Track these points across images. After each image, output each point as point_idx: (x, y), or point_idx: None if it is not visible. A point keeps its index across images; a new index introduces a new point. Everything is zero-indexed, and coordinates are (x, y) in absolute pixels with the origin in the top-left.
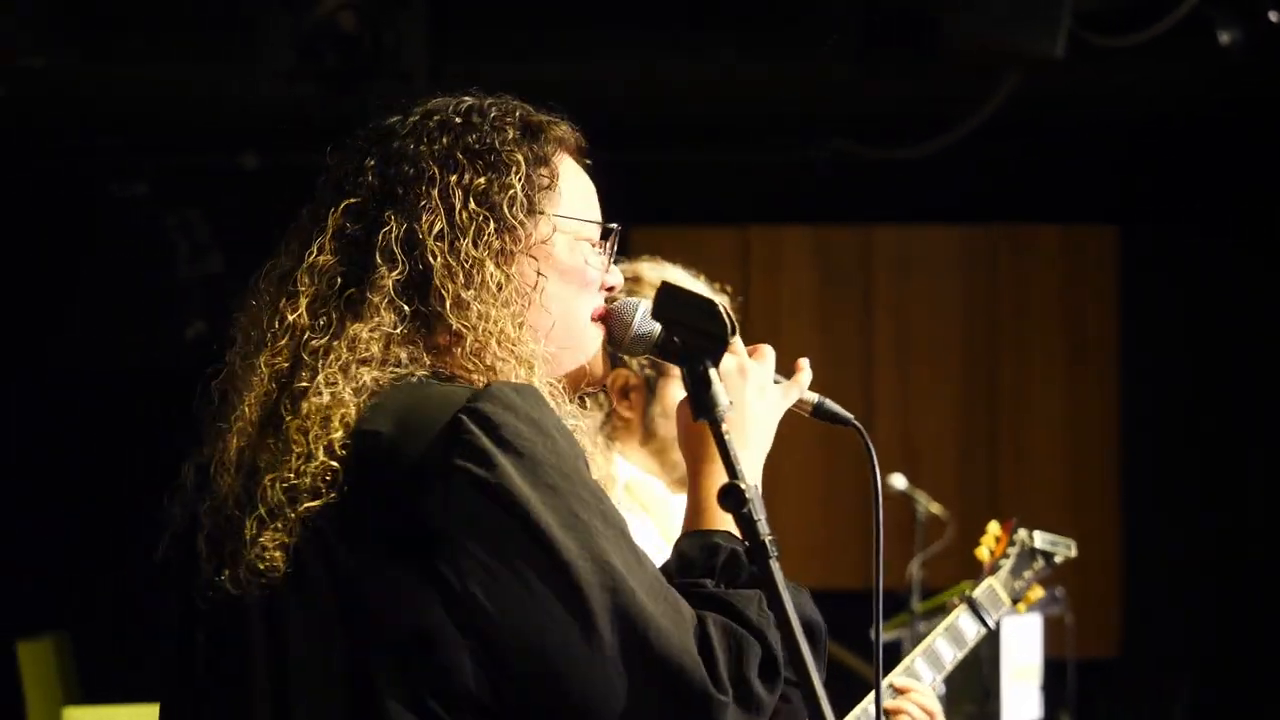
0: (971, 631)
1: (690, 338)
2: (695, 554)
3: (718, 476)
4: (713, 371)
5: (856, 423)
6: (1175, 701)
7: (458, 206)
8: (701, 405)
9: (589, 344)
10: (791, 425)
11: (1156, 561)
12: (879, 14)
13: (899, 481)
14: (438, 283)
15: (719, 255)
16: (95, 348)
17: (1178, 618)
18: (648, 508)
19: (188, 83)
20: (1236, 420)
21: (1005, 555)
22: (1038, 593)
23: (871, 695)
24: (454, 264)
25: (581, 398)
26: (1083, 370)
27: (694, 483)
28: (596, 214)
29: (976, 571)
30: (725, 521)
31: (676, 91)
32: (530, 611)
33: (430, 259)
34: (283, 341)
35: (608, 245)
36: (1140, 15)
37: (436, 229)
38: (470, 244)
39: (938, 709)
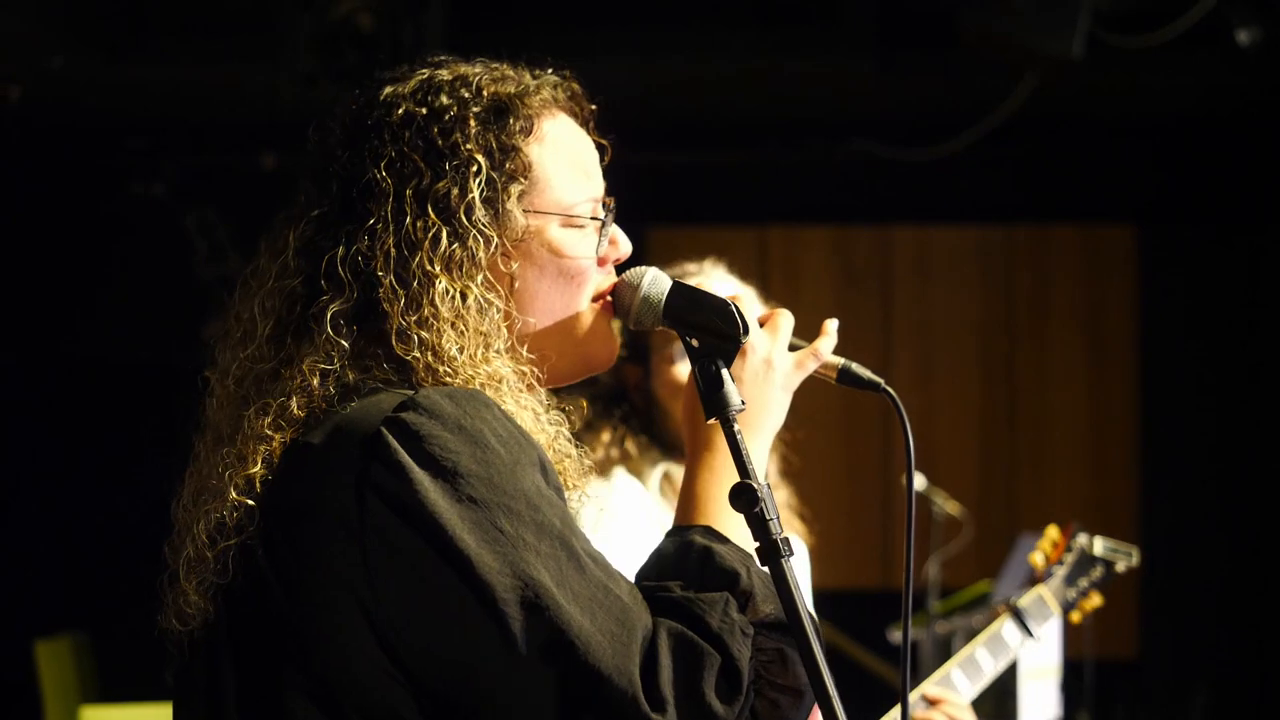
0: (1015, 641)
1: (702, 337)
2: (669, 552)
3: (718, 470)
4: (725, 372)
5: (887, 387)
6: (1193, 702)
7: (410, 220)
8: (713, 405)
9: (589, 332)
10: (811, 425)
11: (1175, 562)
12: (899, 15)
13: (917, 481)
14: (384, 308)
15: (738, 256)
16: (113, 346)
17: (1196, 619)
18: None
19: (207, 83)
20: (1257, 420)
21: (1059, 562)
22: (1096, 601)
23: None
24: (399, 288)
25: (607, 408)
26: (1101, 371)
27: (688, 474)
28: (588, 183)
29: (995, 571)
30: (714, 515)
31: (696, 91)
32: (448, 631)
33: (376, 280)
34: (239, 374)
35: (606, 216)
36: (1158, 16)
37: (384, 247)
38: (424, 259)
39: None
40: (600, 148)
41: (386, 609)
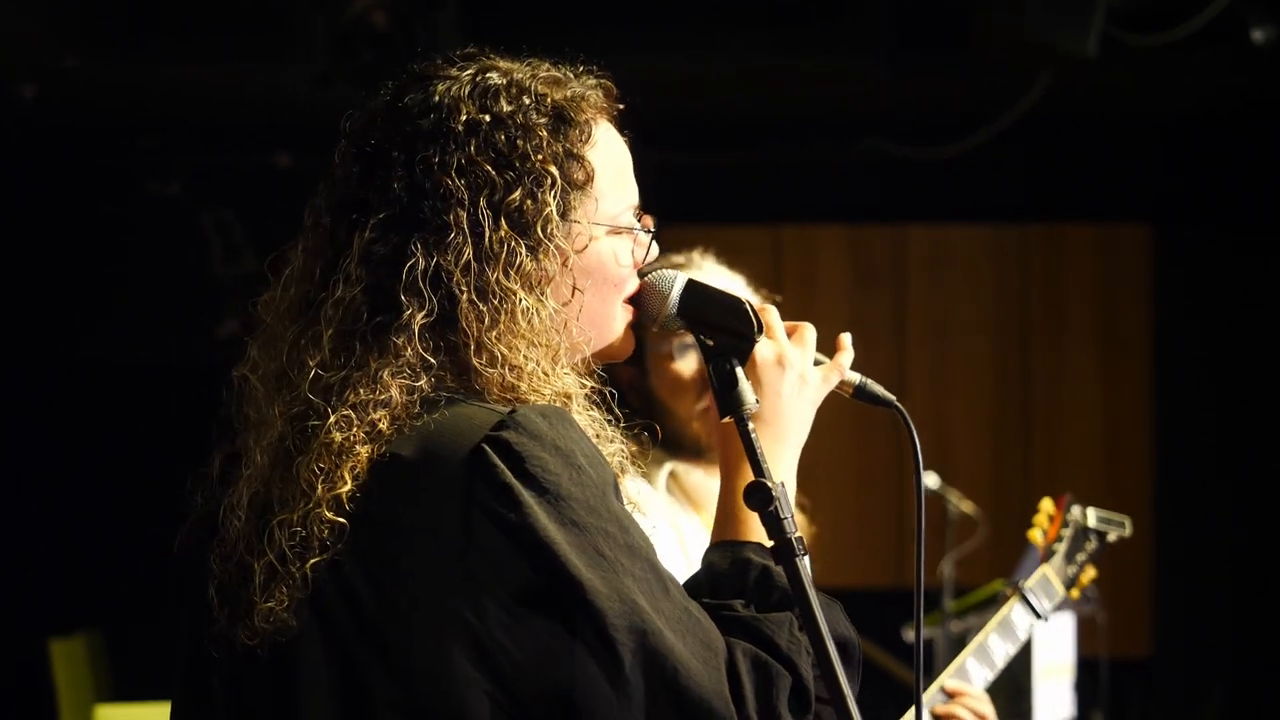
0: (1024, 624)
1: (716, 336)
2: (726, 569)
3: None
4: (739, 370)
5: (899, 405)
6: (1208, 701)
7: (487, 232)
8: (727, 404)
9: (619, 330)
10: (824, 424)
11: (1189, 561)
12: (912, 14)
13: (931, 480)
14: (463, 324)
15: (752, 254)
16: (129, 345)
17: (1210, 617)
18: (689, 495)
19: (222, 82)
20: (1270, 419)
21: (1059, 539)
22: (1090, 575)
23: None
24: (480, 304)
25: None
26: (1116, 369)
27: (726, 485)
28: (630, 191)
29: (1009, 570)
30: (758, 530)
31: (709, 90)
32: (556, 656)
33: (457, 294)
34: (300, 381)
35: (641, 224)
36: (1173, 14)
37: (463, 260)
38: (500, 274)
39: (990, 713)
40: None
41: (492, 631)
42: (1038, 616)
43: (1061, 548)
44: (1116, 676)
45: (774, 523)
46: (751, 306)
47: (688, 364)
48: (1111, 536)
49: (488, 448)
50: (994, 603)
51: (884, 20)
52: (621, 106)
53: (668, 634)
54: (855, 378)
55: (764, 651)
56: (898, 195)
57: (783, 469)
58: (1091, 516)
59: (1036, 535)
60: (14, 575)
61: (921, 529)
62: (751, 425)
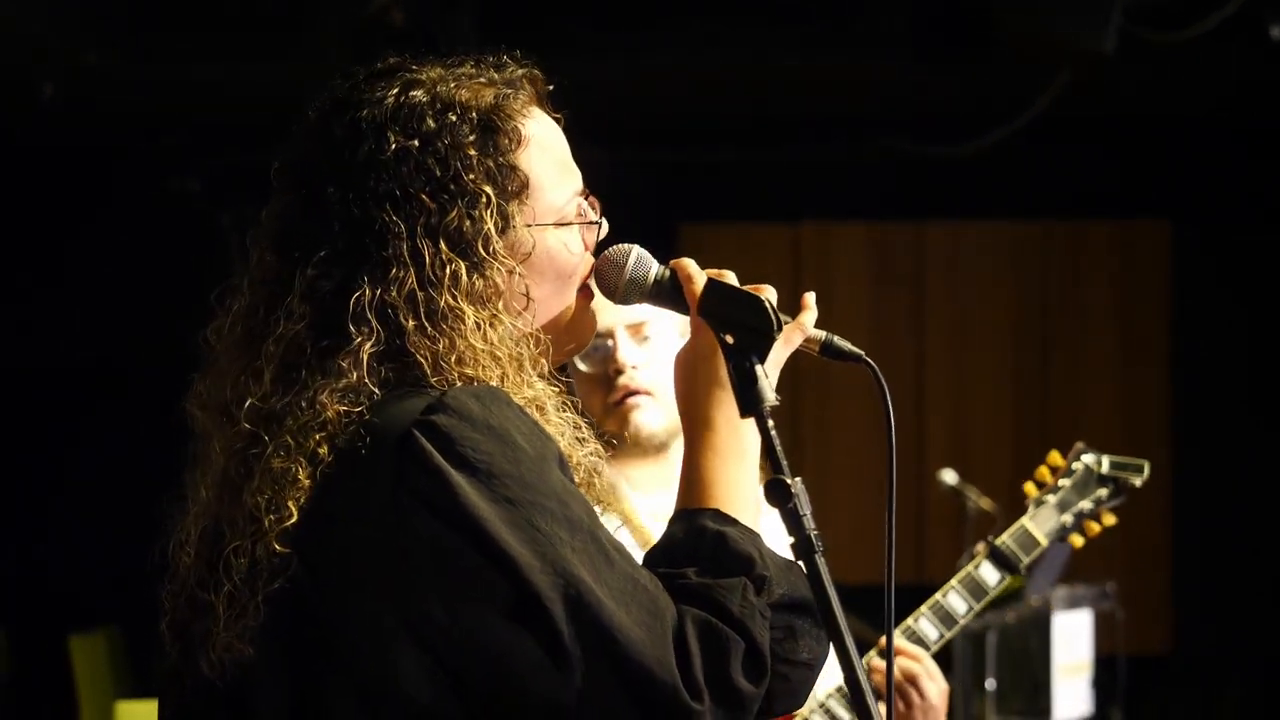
0: (993, 580)
1: (737, 334)
2: (681, 538)
3: (720, 449)
4: (759, 368)
5: (868, 359)
6: (1227, 698)
7: (428, 259)
8: (747, 401)
9: (574, 319)
10: (841, 421)
11: (1208, 557)
12: (932, 11)
13: (950, 477)
14: (415, 352)
15: (771, 252)
16: (147, 342)
17: (1229, 614)
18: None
19: (240, 80)
20: None
21: (1055, 489)
22: (1108, 520)
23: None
24: (430, 328)
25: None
26: (1135, 367)
27: (689, 456)
28: (571, 178)
29: (1029, 568)
30: (721, 496)
31: (728, 88)
32: (494, 632)
33: (404, 323)
34: (240, 414)
35: (584, 204)
36: (1191, 11)
37: (407, 289)
38: (448, 297)
39: (921, 672)
40: (556, 122)
41: (431, 612)
42: (1012, 570)
43: (1054, 498)
44: (1135, 673)
45: (794, 519)
46: (770, 303)
47: (591, 363)
48: (1136, 481)
49: (417, 431)
50: (1012, 600)
51: (904, 18)
52: (550, 86)
53: (608, 604)
54: (820, 335)
55: (715, 617)
56: (917, 193)
57: (749, 434)
58: (1105, 463)
59: (1031, 487)
60: (34, 572)
61: (892, 497)
62: (772, 423)
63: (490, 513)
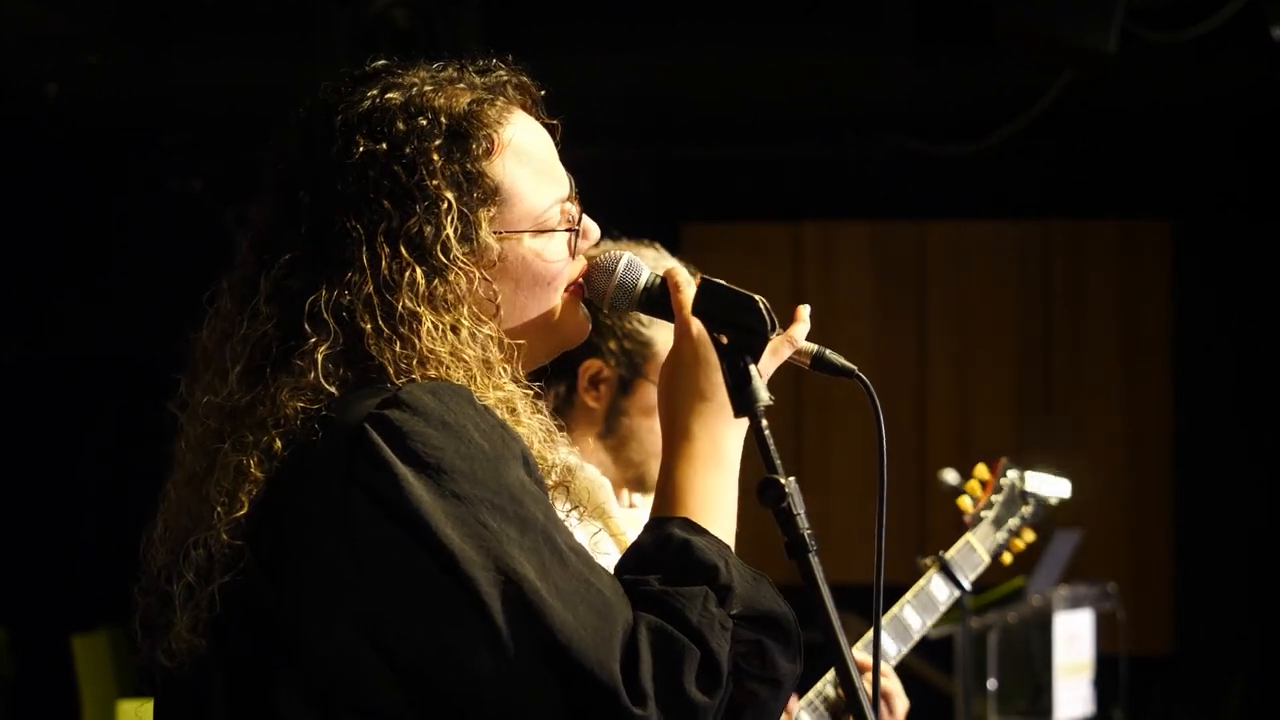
0: (944, 595)
1: (731, 333)
2: (648, 546)
3: (696, 460)
4: (753, 368)
5: (860, 374)
6: (1229, 697)
7: (385, 263)
8: (742, 402)
9: (560, 320)
10: (839, 422)
11: (1210, 557)
12: (935, 9)
13: (951, 477)
14: (374, 353)
15: (773, 251)
16: (150, 341)
17: (1231, 614)
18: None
19: (243, 80)
20: None
21: (989, 505)
22: (1029, 537)
23: (829, 675)
24: (389, 331)
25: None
26: (1137, 365)
27: (665, 465)
28: (554, 185)
29: (1029, 566)
30: (693, 506)
31: (730, 86)
32: (435, 627)
33: (362, 325)
34: (206, 413)
35: (569, 209)
36: (1193, 10)
37: (365, 293)
38: (406, 300)
39: (895, 689)
40: (550, 129)
41: (373, 604)
42: (959, 587)
43: (990, 514)
44: (1136, 673)
45: (787, 519)
46: (765, 303)
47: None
48: (1053, 500)
49: (369, 425)
50: (1013, 599)
51: (906, 17)
52: (541, 92)
53: (552, 603)
54: (811, 347)
55: (671, 625)
56: (920, 192)
57: (729, 445)
58: (1028, 480)
59: (965, 503)
60: (36, 570)
61: (883, 506)
62: (765, 423)
63: (435, 507)
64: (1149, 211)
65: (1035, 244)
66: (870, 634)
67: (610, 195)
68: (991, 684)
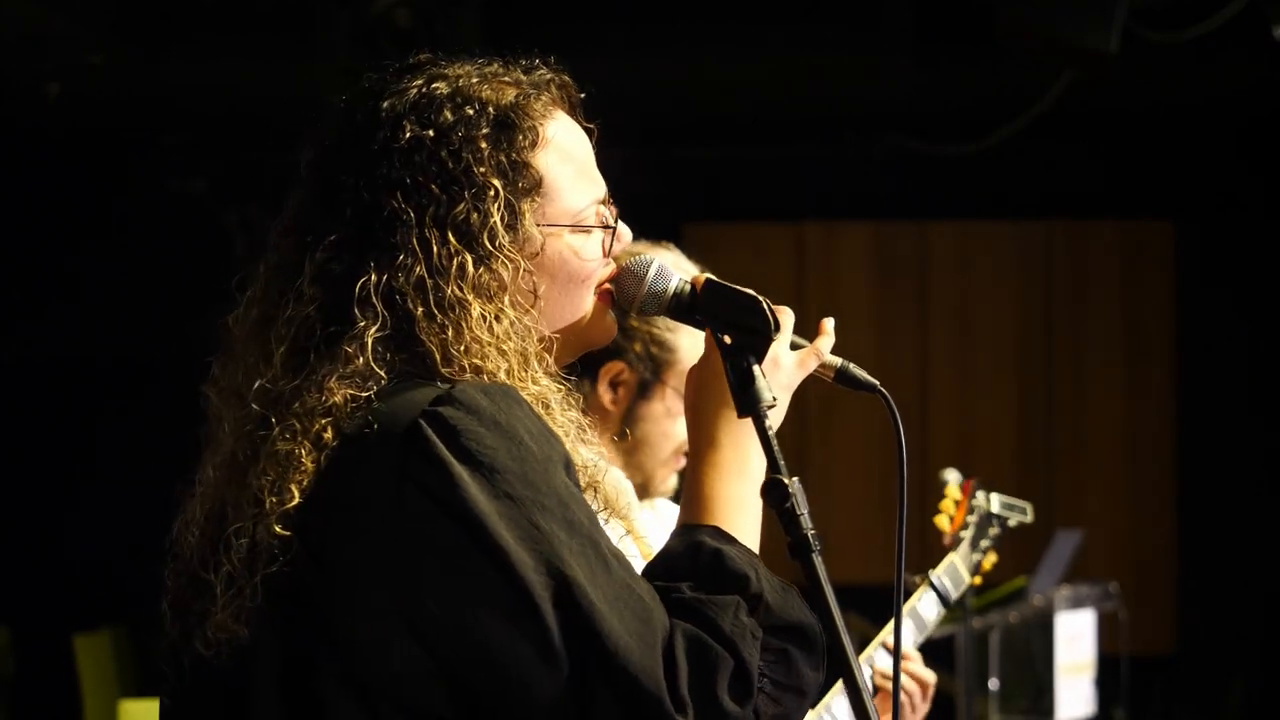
0: (933, 614)
1: (734, 334)
2: (679, 553)
3: (724, 467)
4: (756, 368)
5: (881, 389)
6: (1230, 698)
7: (435, 249)
8: (745, 402)
9: (590, 322)
10: (849, 421)
11: (1212, 558)
12: (936, 9)
13: (953, 477)
14: (424, 338)
15: (774, 251)
16: (150, 341)
17: (1233, 614)
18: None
19: (245, 80)
20: None
21: (965, 526)
22: (991, 560)
23: (838, 687)
24: (440, 316)
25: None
26: (1139, 366)
27: (693, 472)
28: (592, 185)
29: (1032, 566)
30: (722, 514)
31: (731, 86)
32: (485, 628)
33: (412, 310)
34: (250, 396)
35: (603, 211)
36: (1195, 10)
37: (415, 277)
38: (454, 287)
39: (927, 677)
40: (588, 132)
41: (423, 603)
42: (945, 605)
43: (968, 535)
44: (1138, 673)
45: (791, 519)
46: (768, 303)
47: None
48: (1012, 522)
49: (424, 422)
50: (1015, 599)
51: (906, 17)
52: (581, 95)
53: (600, 607)
54: (836, 361)
55: (706, 634)
56: (921, 191)
57: (755, 456)
58: (995, 502)
59: (943, 521)
60: (38, 570)
61: (903, 518)
62: (769, 423)
63: (490, 508)
64: (1150, 212)
65: (1037, 245)
66: (870, 650)
67: (611, 195)
68: (993, 684)
